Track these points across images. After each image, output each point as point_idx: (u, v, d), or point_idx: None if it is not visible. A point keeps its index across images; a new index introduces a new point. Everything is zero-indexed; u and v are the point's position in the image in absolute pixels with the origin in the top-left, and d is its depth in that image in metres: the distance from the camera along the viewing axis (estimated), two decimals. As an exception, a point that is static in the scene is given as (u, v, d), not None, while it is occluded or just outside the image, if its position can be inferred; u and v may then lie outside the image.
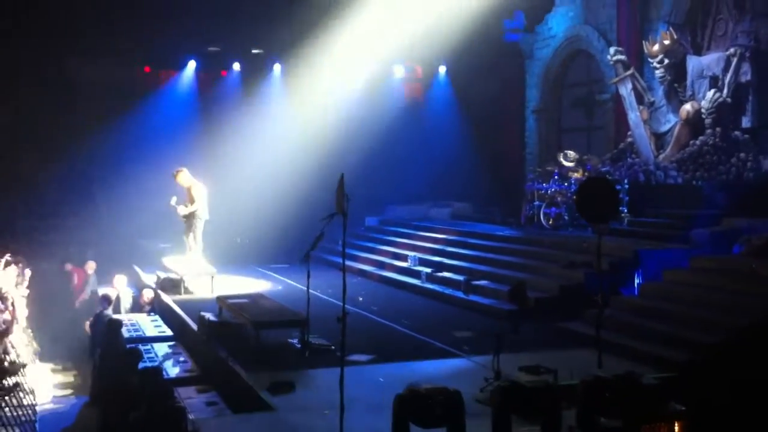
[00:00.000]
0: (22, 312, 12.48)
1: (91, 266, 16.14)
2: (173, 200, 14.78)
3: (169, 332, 12.46)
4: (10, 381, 9.61)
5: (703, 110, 15.59)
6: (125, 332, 11.81)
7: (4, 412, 8.53)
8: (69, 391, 12.51)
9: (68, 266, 16.69)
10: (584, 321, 10.73)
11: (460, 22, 18.67)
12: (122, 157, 18.99)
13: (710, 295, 10.55)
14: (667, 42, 16.18)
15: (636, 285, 12.10)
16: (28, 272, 15.08)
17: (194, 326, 11.50)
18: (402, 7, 18.76)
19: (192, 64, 20.91)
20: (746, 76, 14.97)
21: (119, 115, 18.84)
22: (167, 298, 13.97)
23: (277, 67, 21.42)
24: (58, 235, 18.36)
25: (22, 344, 12.15)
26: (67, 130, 18.79)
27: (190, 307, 12.76)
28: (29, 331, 13.42)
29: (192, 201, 14.81)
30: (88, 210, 18.88)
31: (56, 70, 19.27)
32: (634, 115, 16.94)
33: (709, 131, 15.41)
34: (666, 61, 16.31)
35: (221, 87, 21.48)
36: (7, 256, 14.85)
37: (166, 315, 13.47)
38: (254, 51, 20.91)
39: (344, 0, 18.67)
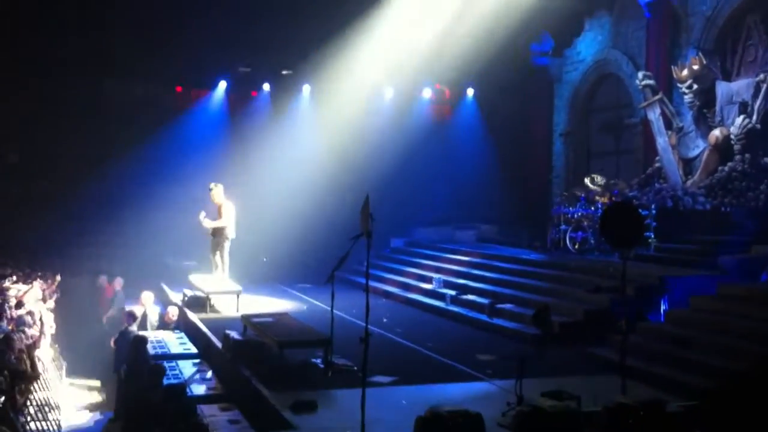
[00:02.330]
0: (50, 327, 12.63)
1: (119, 283, 16.35)
2: (202, 214, 14.91)
3: (194, 350, 12.54)
4: (37, 396, 9.74)
5: (732, 136, 15.49)
6: (150, 349, 11.92)
7: (31, 427, 8.63)
8: (94, 407, 12.66)
9: (102, 279, 16.91)
10: (609, 346, 10.66)
11: (488, 45, 18.73)
12: (153, 176, 19.20)
13: (737, 323, 10.42)
14: (696, 67, 16.12)
15: (662, 311, 11.98)
16: (54, 285, 15.34)
17: (219, 344, 11.56)
18: (431, 29, 18.86)
19: (223, 84, 21.15)
20: (776, 102, 14.89)
21: (151, 134, 19.09)
22: (193, 316, 14.06)
23: (306, 88, 21.59)
24: (90, 251, 18.65)
25: (48, 359, 12.30)
26: (101, 148, 19.13)
27: (216, 325, 12.83)
28: (56, 346, 13.58)
29: (220, 218, 14.94)
30: (118, 227, 19.12)
31: (92, 91, 19.59)
32: (663, 140, 16.86)
33: (738, 157, 15.30)
34: (695, 86, 16.24)
35: (251, 107, 21.67)
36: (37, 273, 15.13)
37: (192, 333, 13.55)
38: (284, 72, 21.10)
39: (373, 22, 18.81)
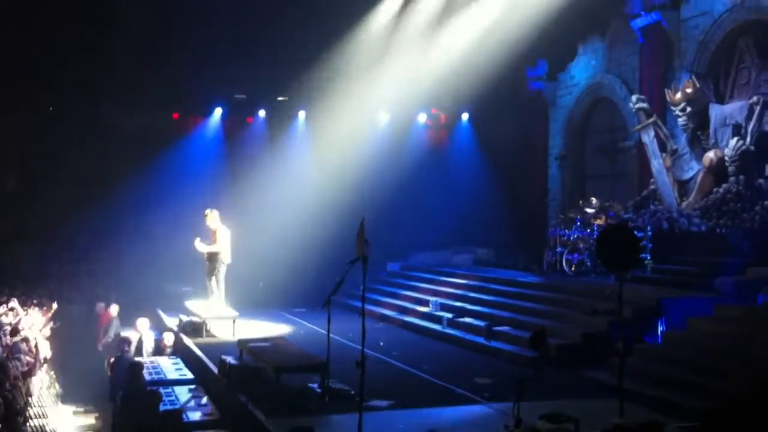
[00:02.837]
0: (45, 354, 12.57)
1: (114, 309, 16.28)
2: (197, 241, 14.91)
3: (190, 375, 12.47)
4: (32, 424, 9.67)
5: (726, 158, 15.55)
6: (146, 374, 11.85)
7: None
8: (90, 434, 12.55)
9: (99, 306, 16.86)
10: (607, 369, 10.63)
11: (483, 69, 18.87)
12: (149, 202, 19.20)
13: (735, 345, 10.41)
14: (689, 90, 16.22)
15: (659, 333, 11.97)
16: (50, 313, 15.28)
17: (215, 369, 11.51)
18: (425, 54, 18.99)
19: (219, 111, 21.24)
20: (769, 124, 14.98)
21: (147, 160, 19.13)
22: (189, 342, 14.01)
23: (301, 114, 21.68)
24: (86, 278, 18.63)
25: (44, 386, 12.23)
26: (97, 174, 19.17)
27: (212, 350, 12.79)
28: (52, 373, 13.51)
29: (215, 243, 14.94)
30: (115, 254, 19.10)
31: (89, 117, 19.64)
32: (657, 163, 16.93)
33: (732, 179, 15.35)
34: (689, 109, 16.33)
35: (247, 133, 21.75)
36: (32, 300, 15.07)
37: (188, 358, 13.49)
38: (279, 98, 21.21)
39: (369, 48, 18.95)
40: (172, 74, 19.24)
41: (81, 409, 13.39)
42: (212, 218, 15.00)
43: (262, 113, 21.60)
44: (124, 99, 19.76)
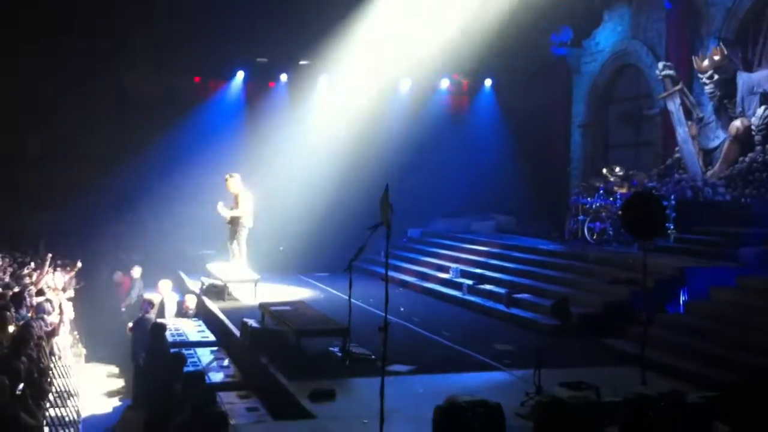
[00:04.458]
0: (69, 315, 12.73)
1: (137, 271, 16.43)
2: (220, 205, 14.98)
3: (212, 338, 12.60)
4: (56, 383, 9.81)
5: (753, 127, 15.35)
6: (169, 337, 11.98)
7: (50, 414, 8.69)
8: (113, 393, 12.75)
9: (118, 275, 17.03)
10: (628, 338, 10.62)
11: (506, 35, 18.65)
12: (171, 166, 19.24)
13: (757, 316, 10.34)
14: (717, 58, 15.97)
15: (682, 303, 11.91)
16: (73, 273, 15.45)
17: (237, 332, 11.61)
18: (449, 20, 18.78)
19: (240, 75, 21.15)
20: (797, 93, 14.75)
21: (169, 124, 19.14)
22: (211, 304, 14.13)
23: (323, 79, 21.56)
24: (108, 241, 18.79)
25: (67, 346, 12.40)
26: (120, 138, 19.27)
27: (233, 313, 12.89)
28: (75, 333, 13.69)
29: (237, 207, 14.99)
30: (137, 217, 19.24)
31: (111, 81, 19.65)
32: (683, 131, 16.74)
33: (758, 148, 15.17)
34: (716, 76, 16.10)
35: (269, 97, 21.66)
36: (57, 261, 15.22)
37: (210, 321, 13.62)
38: (301, 62, 21.09)
39: (391, 12, 18.75)
40: (194, 38, 19.14)
41: (104, 370, 13.62)
42: (233, 183, 15.04)
43: (284, 77, 21.49)
44: (145, 63, 19.73)
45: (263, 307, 11.97)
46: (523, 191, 20.72)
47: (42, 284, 13.15)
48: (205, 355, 11.46)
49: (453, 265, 16.42)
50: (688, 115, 16.73)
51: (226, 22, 18.87)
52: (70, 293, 14.53)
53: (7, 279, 13.20)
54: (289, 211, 18.87)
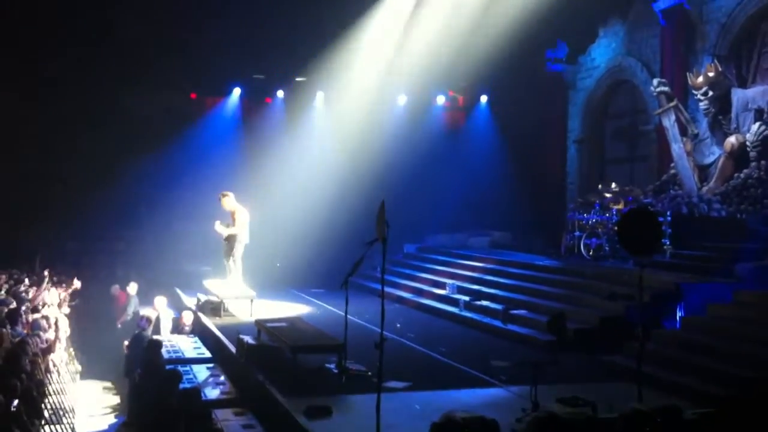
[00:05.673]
0: (64, 331, 12.68)
1: (133, 287, 16.38)
2: (217, 224, 14.98)
3: (207, 354, 12.55)
4: (51, 400, 9.76)
5: (747, 143, 15.42)
6: (165, 353, 11.92)
7: (45, 430, 8.64)
8: (108, 411, 12.67)
9: (115, 288, 16.98)
10: (625, 354, 10.59)
11: (502, 51, 18.71)
12: (167, 182, 19.28)
13: (754, 331, 10.35)
14: (711, 74, 16.06)
15: (678, 318, 11.91)
16: (70, 290, 15.40)
17: (233, 349, 11.57)
18: (445, 36, 18.87)
19: (237, 91, 21.23)
20: (792, 109, 14.82)
21: (166, 141, 19.18)
22: (207, 321, 14.09)
23: (319, 95, 21.63)
24: (105, 257, 18.76)
25: (63, 363, 12.34)
26: (116, 154, 19.24)
27: (230, 329, 12.85)
28: (71, 350, 13.62)
29: (234, 224, 14.98)
30: (134, 234, 19.22)
31: (108, 97, 19.67)
32: (678, 147, 16.80)
33: (753, 164, 15.23)
34: (710, 93, 16.19)
35: (265, 113, 21.73)
36: (52, 277, 15.17)
37: (206, 337, 13.57)
38: (298, 79, 21.16)
39: (387, 29, 18.85)
40: (190, 54, 19.23)
41: (99, 386, 13.55)
42: (227, 201, 15.03)
43: (280, 94, 21.56)
44: (141, 79, 19.79)
45: (259, 323, 11.95)
46: (520, 207, 20.76)
47: (38, 301, 13.11)
48: (201, 372, 11.40)
49: (449, 281, 16.41)
50: (683, 131, 16.80)
51: (223, 39, 18.95)
52: (66, 309, 14.48)
53: (3, 295, 13.15)
54: (286, 228, 18.89)
